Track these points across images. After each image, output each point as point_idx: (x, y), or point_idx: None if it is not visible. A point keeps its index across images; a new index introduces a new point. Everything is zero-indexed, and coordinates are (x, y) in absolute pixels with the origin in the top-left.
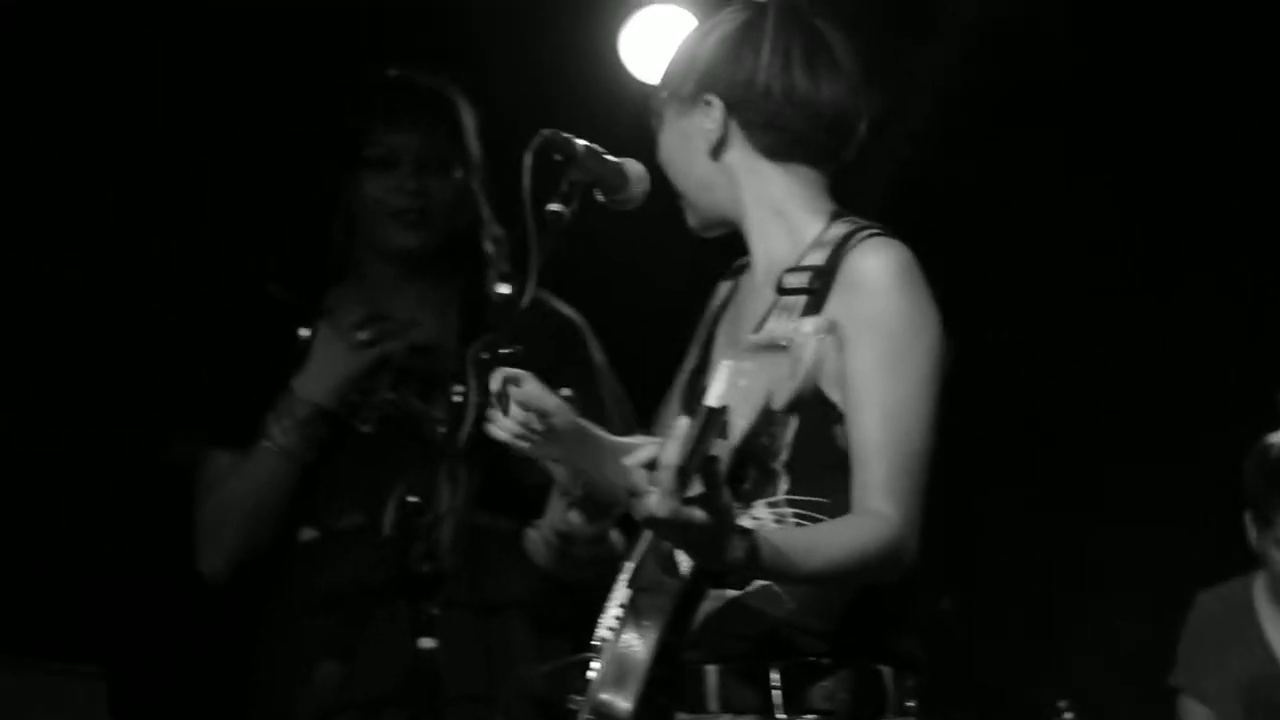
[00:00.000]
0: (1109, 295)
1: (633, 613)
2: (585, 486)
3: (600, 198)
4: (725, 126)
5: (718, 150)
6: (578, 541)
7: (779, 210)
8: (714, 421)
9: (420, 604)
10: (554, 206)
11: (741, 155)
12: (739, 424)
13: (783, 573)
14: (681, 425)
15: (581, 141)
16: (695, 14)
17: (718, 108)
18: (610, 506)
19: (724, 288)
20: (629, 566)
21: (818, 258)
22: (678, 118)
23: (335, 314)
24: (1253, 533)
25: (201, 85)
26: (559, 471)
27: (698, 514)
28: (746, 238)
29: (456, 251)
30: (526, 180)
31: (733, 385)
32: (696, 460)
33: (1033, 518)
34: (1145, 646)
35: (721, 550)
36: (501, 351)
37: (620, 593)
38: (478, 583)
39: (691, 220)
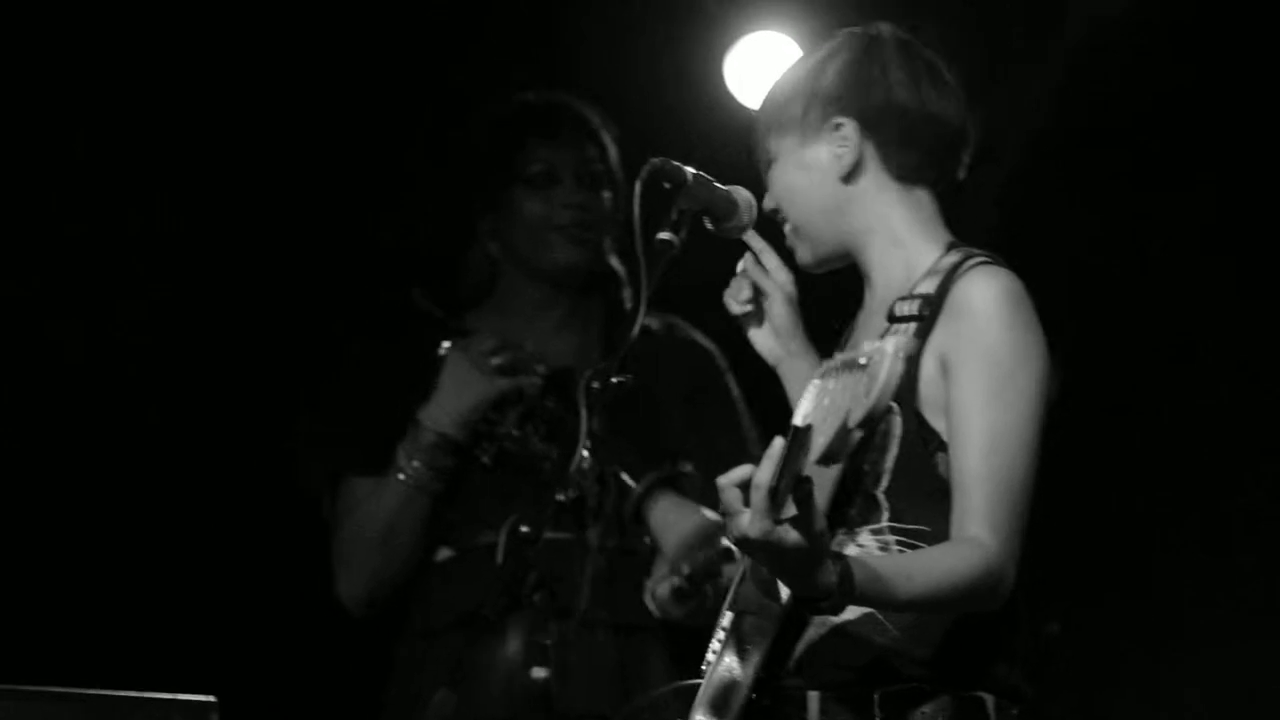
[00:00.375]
0: (1227, 321)
1: (734, 636)
2: (693, 565)
3: (709, 225)
4: (860, 149)
5: (851, 174)
6: (669, 614)
7: (899, 238)
8: (801, 441)
9: (533, 633)
10: (664, 235)
11: (873, 178)
12: (819, 441)
13: (876, 599)
14: (776, 446)
15: (690, 169)
16: (798, 40)
17: (852, 129)
18: (699, 592)
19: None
20: (732, 589)
21: (929, 286)
22: (800, 148)
23: (467, 341)
24: None
25: (343, 104)
26: (672, 548)
27: (791, 535)
28: (864, 267)
29: (598, 273)
30: (636, 209)
31: (818, 404)
32: (789, 481)
33: (1147, 540)
34: (1262, 676)
35: (813, 574)
36: (614, 380)
37: (724, 615)
38: (616, 603)
39: (805, 256)
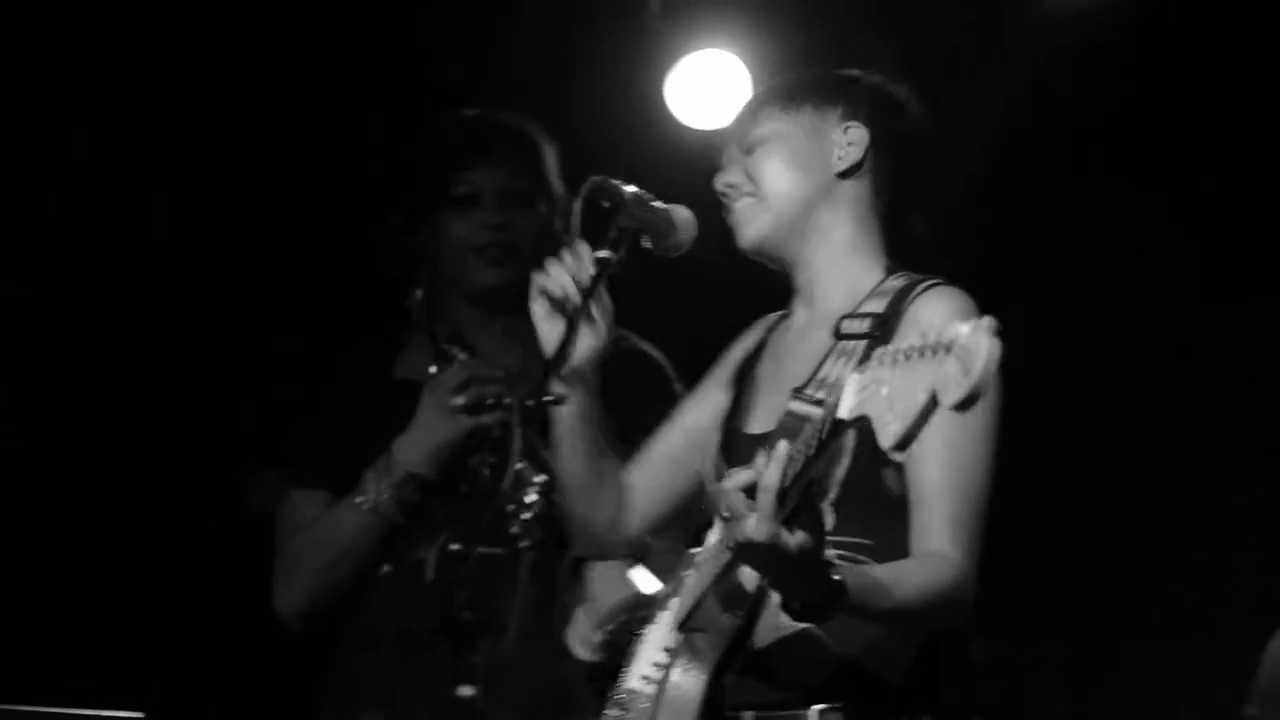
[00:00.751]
0: (1227, 321)
1: (683, 654)
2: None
3: (647, 244)
4: (864, 155)
5: (846, 173)
6: (595, 656)
7: (850, 251)
8: (837, 435)
9: (462, 651)
10: (602, 253)
11: (858, 188)
12: (892, 428)
13: (864, 606)
14: (780, 448)
15: (630, 187)
16: (743, 59)
17: (864, 136)
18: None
19: (754, 333)
20: (665, 613)
21: (877, 305)
22: (804, 134)
23: (438, 378)
24: None
25: (344, 104)
26: (603, 613)
27: (797, 538)
28: (805, 276)
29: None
30: (576, 226)
31: (870, 396)
32: (800, 484)
33: (1147, 539)
34: (1205, 696)
35: (812, 579)
36: (546, 399)
37: (657, 638)
38: (549, 619)
39: (754, 233)
